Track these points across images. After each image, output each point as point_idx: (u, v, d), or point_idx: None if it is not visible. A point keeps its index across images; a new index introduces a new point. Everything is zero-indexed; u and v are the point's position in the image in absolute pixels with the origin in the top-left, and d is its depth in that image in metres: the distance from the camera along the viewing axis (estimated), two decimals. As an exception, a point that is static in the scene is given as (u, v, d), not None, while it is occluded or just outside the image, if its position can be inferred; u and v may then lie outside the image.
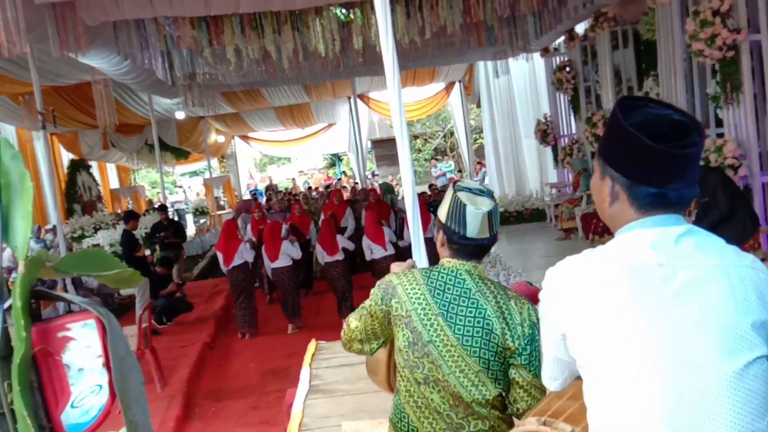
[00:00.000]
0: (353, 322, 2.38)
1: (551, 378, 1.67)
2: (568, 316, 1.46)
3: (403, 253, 7.67)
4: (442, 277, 2.19)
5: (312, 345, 4.59)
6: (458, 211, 2.19)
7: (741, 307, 1.33)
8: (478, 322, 2.10)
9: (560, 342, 1.51)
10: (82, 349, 1.05)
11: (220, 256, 9.26)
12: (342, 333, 2.44)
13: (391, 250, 9.22)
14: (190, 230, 20.02)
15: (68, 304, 1.52)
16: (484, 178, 17.76)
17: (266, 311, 9.89)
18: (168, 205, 16.26)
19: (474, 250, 2.20)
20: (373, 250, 9.20)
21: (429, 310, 2.14)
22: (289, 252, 9.22)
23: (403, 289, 2.20)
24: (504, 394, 2.16)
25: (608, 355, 1.39)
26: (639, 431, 1.35)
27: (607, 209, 1.51)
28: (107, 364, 1.06)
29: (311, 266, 11.05)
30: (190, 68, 10.73)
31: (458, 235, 2.18)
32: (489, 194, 2.23)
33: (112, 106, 11.24)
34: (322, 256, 9.22)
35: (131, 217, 10.46)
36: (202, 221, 20.21)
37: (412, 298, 2.18)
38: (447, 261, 2.22)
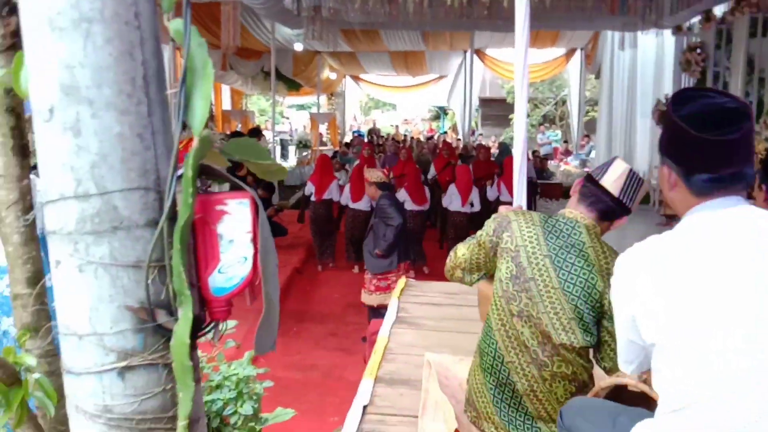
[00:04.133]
0: (461, 249, 2.49)
1: (626, 361, 1.72)
2: (637, 297, 1.51)
3: (481, 216, 7.59)
4: (560, 225, 2.26)
5: (402, 281, 4.74)
6: (609, 162, 2.31)
7: None
8: (584, 274, 2.16)
9: (631, 324, 1.56)
10: (235, 223, 1.17)
11: (312, 188, 9.47)
12: (447, 260, 2.56)
13: (468, 209, 9.19)
14: (292, 161, 20.52)
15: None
16: (590, 152, 17.31)
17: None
18: (274, 134, 16.65)
19: (598, 201, 2.24)
20: (452, 201, 9.19)
21: (539, 250, 2.22)
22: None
23: (517, 225, 2.29)
24: (592, 347, 2.22)
25: (676, 333, 1.43)
26: (699, 407, 1.39)
27: (669, 194, 1.59)
28: (254, 240, 1.18)
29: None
30: (316, 0, 10.85)
31: (594, 177, 2.25)
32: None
33: (238, 28, 11.54)
34: (407, 203, 9.15)
35: (257, 133, 10.72)
36: (303, 154, 20.66)
37: (524, 235, 2.25)
38: (569, 212, 2.28)
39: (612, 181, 2.22)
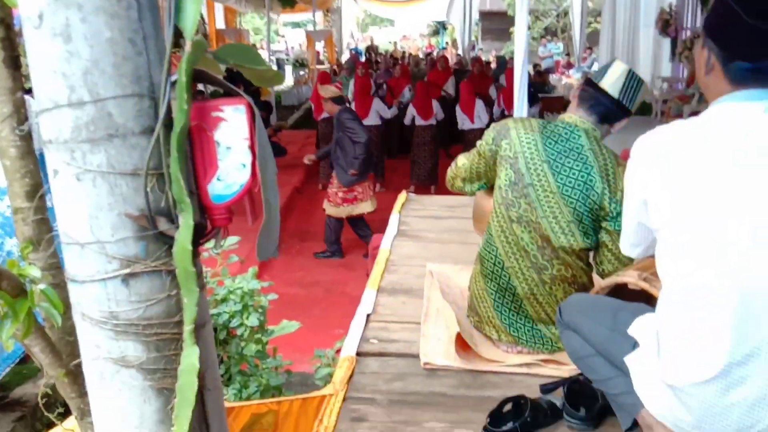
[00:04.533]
0: (461, 159, 2.50)
1: (632, 244, 1.73)
2: (651, 180, 1.50)
3: None
4: (558, 130, 2.25)
5: (402, 195, 4.77)
6: (608, 64, 2.29)
7: None
8: (582, 177, 2.16)
9: (642, 207, 1.57)
10: (232, 130, 1.16)
11: (312, 106, 9.43)
12: (448, 170, 2.57)
13: (479, 124, 9.16)
14: (289, 81, 20.23)
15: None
16: (592, 65, 17.03)
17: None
18: (270, 53, 16.34)
19: (597, 103, 2.22)
20: (463, 121, 9.18)
21: (537, 155, 2.22)
22: (379, 110, 9.26)
23: (516, 133, 2.28)
24: (590, 249, 2.25)
25: (683, 220, 1.43)
26: (710, 296, 1.41)
27: (703, 78, 1.55)
28: (252, 147, 1.17)
29: (401, 131, 11.05)
30: None
31: (594, 80, 2.23)
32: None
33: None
34: (417, 118, 9.18)
35: None
36: (300, 73, 20.35)
37: (523, 141, 2.25)
38: (568, 116, 2.27)
39: (611, 82, 2.20)
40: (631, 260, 2.13)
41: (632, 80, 2.20)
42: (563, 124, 2.26)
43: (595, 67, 16.04)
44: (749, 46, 1.44)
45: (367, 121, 9.10)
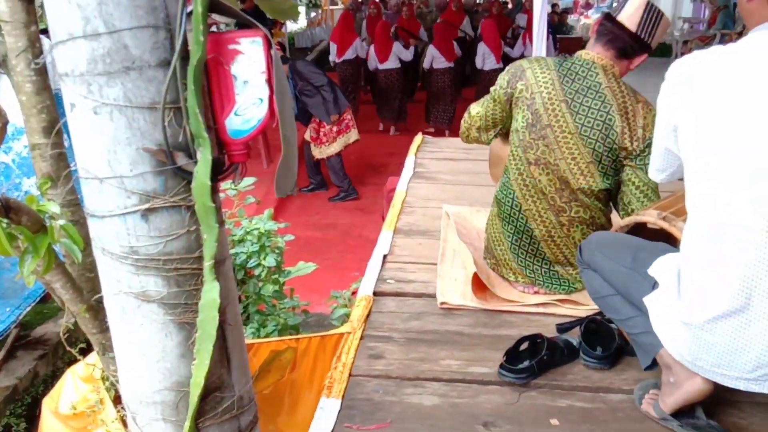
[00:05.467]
0: (474, 108, 2.45)
1: (658, 170, 1.71)
2: (685, 106, 1.48)
3: None
4: (575, 68, 2.19)
5: (418, 138, 4.73)
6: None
7: None
8: (601, 116, 2.12)
9: (672, 133, 1.54)
10: (249, 63, 1.14)
11: (333, 47, 9.32)
12: (462, 121, 2.53)
13: (502, 64, 9.02)
14: (302, 22, 19.94)
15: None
16: (612, 4, 16.63)
17: (367, 111, 10.03)
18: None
19: (615, 38, 2.16)
20: (485, 60, 9.01)
21: (554, 95, 2.17)
22: (399, 53, 9.13)
23: (532, 73, 2.23)
24: (609, 190, 2.22)
25: (713, 150, 1.41)
26: (737, 226, 1.39)
27: (746, 4, 1.51)
28: (269, 81, 1.15)
29: (417, 72, 10.93)
30: None
31: (611, 15, 2.17)
32: (662, 14, 2.18)
33: None
34: (437, 61, 9.01)
35: None
36: (313, 15, 20.02)
37: (539, 81, 2.20)
38: (585, 53, 2.21)
39: (629, 15, 2.12)
40: (658, 196, 2.10)
41: (651, 13, 2.12)
42: (580, 61, 2.20)
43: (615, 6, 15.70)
44: None
45: (386, 65, 9.01)
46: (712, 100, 1.42)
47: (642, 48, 2.17)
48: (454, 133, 7.87)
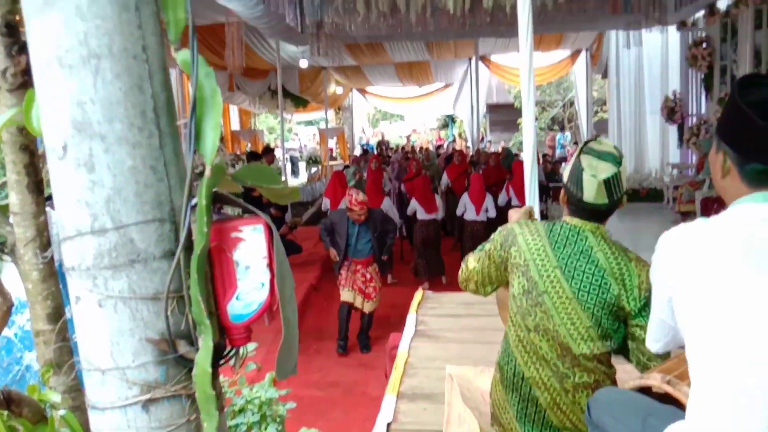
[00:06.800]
0: (471, 262, 2.48)
1: (653, 339, 1.71)
2: (676, 279, 1.50)
3: (495, 223, 7.68)
4: (564, 232, 2.23)
5: (419, 294, 4.73)
6: (577, 174, 2.20)
7: None
8: (596, 280, 2.14)
9: (666, 305, 1.56)
10: (251, 249, 1.17)
11: (327, 201, 9.60)
12: (460, 272, 2.55)
13: (483, 217, 9.25)
14: (302, 178, 20.59)
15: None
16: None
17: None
18: (284, 151, 16.71)
19: (592, 213, 2.22)
20: (467, 209, 9.29)
21: (548, 261, 2.20)
22: (387, 209, 9.39)
23: (523, 239, 2.27)
24: (610, 352, 2.20)
25: (714, 322, 1.41)
26: (736, 390, 1.37)
27: (720, 181, 1.56)
28: (270, 266, 1.18)
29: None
30: (318, 16, 10.93)
31: (575, 197, 2.20)
32: (614, 159, 2.19)
33: (242, 49, 11.62)
34: (419, 212, 9.26)
35: (267, 151, 10.92)
36: (314, 170, 20.74)
37: (531, 248, 2.23)
38: (569, 218, 2.26)
39: (593, 196, 2.16)
40: (668, 354, 2.08)
41: (612, 184, 2.16)
42: (568, 225, 2.24)
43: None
44: (764, 149, 1.46)
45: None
46: (706, 276, 1.44)
47: (619, 204, 2.21)
48: (453, 285, 7.91)
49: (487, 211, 9.35)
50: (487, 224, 9.15)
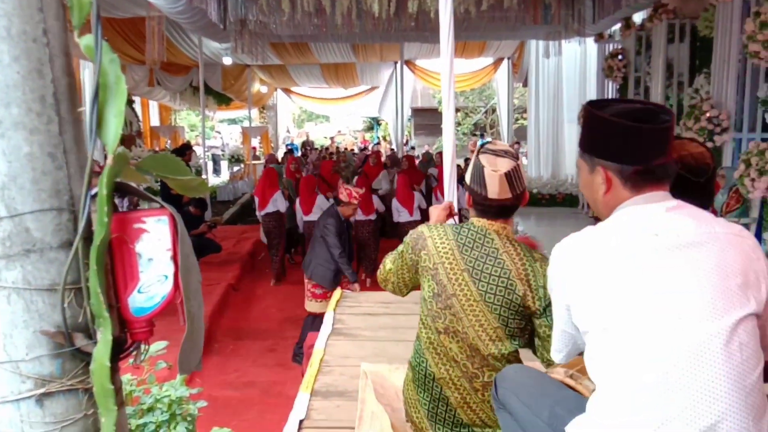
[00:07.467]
0: (389, 263, 2.50)
1: (557, 350, 1.77)
2: (572, 287, 1.57)
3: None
4: (472, 234, 2.28)
5: (337, 292, 4.74)
6: (478, 172, 2.26)
7: (730, 269, 1.45)
8: (502, 282, 2.19)
9: (565, 314, 1.62)
10: (154, 241, 1.15)
11: (256, 200, 9.51)
12: (378, 271, 2.57)
13: (417, 216, 9.36)
14: (224, 176, 20.26)
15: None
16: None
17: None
18: (205, 149, 16.41)
19: (498, 210, 2.27)
20: (400, 213, 9.35)
21: (455, 265, 2.24)
22: (323, 206, 9.34)
23: (432, 242, 2.30)
24: (518, 351, 2.26)
25: (609, 319, 1.48)
26: (635, 388, 1.44)
27: (602, 199, 1.64)
28: (174, 258, 1.16)
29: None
30: (242, 14, 10.78)
31: (480, 196, 2.26)
32: (511, 155, 2.27)
33: (162, 43, 11.34)
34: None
35: (187, 148, 10.66)
36: (236, 169, 20.44)
37: (440, 251, 2.27)
38: (476, 220, 2.31)
39: (497, 191, 2.21)
40: None
41: (512, 176, 2.21)
42: (475, 227, 2.28)
43: (524, 160, 16.66)
44: (639, 148, 1.56)
45: (310, 217, 9.17)
46: (603, 278, 1.50)
47: (522, 198, 2.27)
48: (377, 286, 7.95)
49: (419, 209, 9.45)
50: (423, 222, 9.21)
